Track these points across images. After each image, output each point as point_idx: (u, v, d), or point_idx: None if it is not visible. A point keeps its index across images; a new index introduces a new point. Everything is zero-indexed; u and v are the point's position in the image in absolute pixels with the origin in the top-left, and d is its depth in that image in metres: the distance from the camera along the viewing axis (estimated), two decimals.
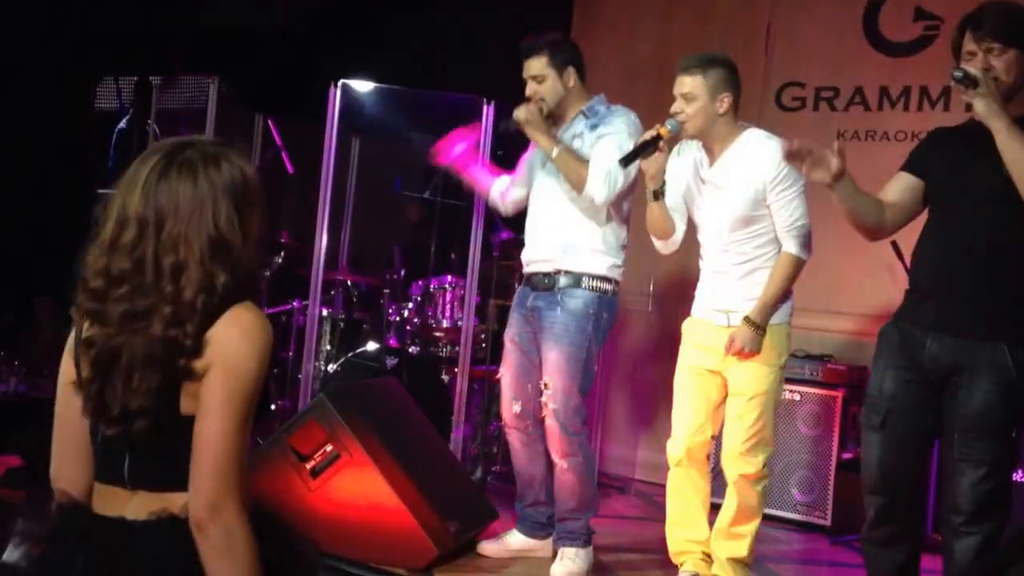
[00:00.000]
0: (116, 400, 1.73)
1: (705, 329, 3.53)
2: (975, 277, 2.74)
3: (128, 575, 1.70)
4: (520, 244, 4.02)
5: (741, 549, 3.52)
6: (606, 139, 3.70)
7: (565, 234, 3.77)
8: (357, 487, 3.61)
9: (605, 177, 3.64)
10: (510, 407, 3.89)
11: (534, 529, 3.97)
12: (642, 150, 3.37)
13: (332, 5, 6.03)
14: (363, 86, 5.21)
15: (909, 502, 2.85)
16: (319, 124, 4.88)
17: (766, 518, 4.74)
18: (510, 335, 3.92)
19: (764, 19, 5.56)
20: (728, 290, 3.49)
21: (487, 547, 3.94)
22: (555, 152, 3.69)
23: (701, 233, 3.59)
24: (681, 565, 3.64)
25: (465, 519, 3.89)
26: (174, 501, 1.72)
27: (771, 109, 5.50)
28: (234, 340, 1.71)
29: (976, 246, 2.74)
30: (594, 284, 3.75)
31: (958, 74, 2.63)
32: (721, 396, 3.53)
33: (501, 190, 4.13)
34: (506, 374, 3.91)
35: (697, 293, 3.63)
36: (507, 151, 4.56)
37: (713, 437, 3.58)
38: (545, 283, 3.79)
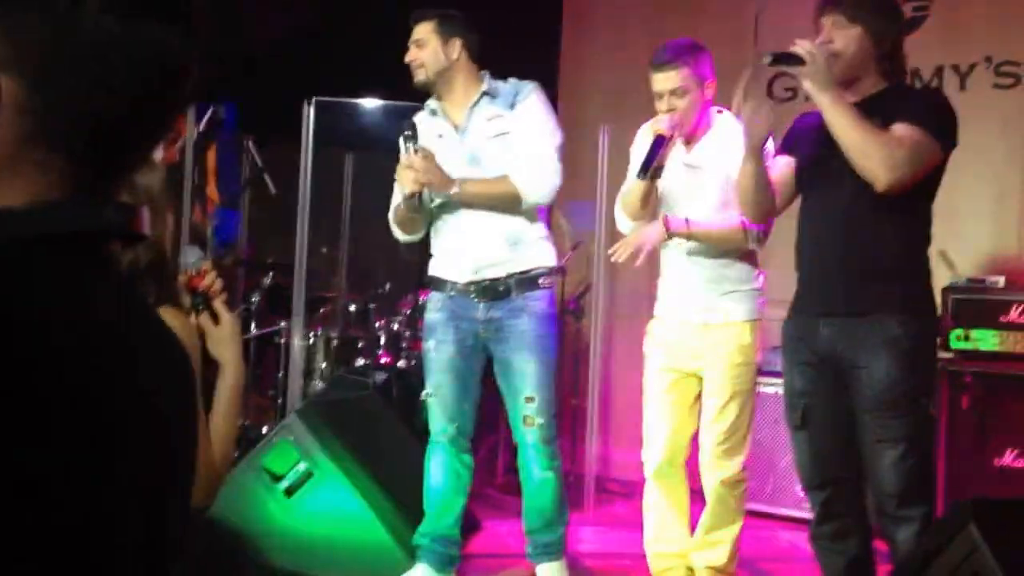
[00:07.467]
0: None
1: (679, 328, 3.37)
2: (846, 257, 2.73)
3: None
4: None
5: (720, 557, 3.37)
6: (537, 127, 3.39)
7: (508, 228, 3.38)
8: (330, 502, 3.63)
9: (549, 170, 3.34)
10: (444, 428, 3.51)
11: (443, 563, 3.54)
12: (655, 156, 3.15)
13: (315, 23, 6.06)
14: (345, 103, 5.22)
15: (853, 491, 2.82)
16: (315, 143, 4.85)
17: (771, 517, 4.69)
18: (448, 353, 3.47)
19: (752, 10, 5.49)
20: (702, 283, 3.33)
21: None
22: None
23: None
24: None
25: None
26: None
27: None
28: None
29: (842, 225, 2.73)
30: (548, 280, 3.44)
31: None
32: (696, 395, 3.40)
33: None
34: (439, 394, 3.50)
35: (664, 290, 3.46)
36: None
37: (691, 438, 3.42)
38: (498, 290, 3.39)
